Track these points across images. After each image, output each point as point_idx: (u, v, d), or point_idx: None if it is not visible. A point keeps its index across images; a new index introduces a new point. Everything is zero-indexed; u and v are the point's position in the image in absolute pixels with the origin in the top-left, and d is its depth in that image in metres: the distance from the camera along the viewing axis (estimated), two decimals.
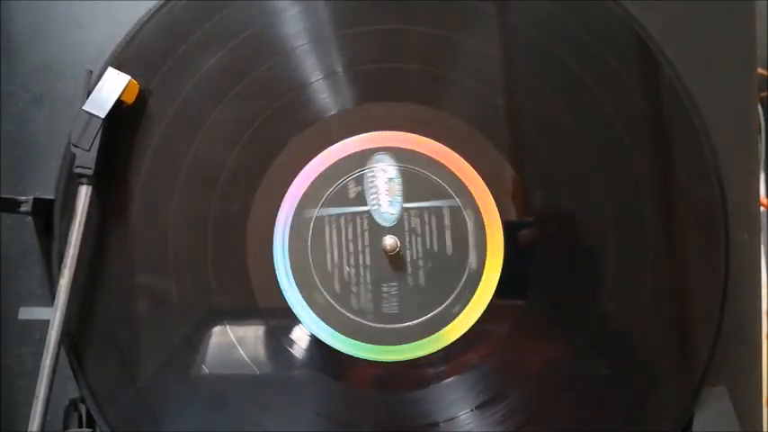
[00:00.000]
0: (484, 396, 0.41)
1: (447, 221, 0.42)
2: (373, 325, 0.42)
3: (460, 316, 0.41)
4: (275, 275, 0.42)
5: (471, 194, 0.42)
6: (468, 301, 0.41)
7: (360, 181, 0.42)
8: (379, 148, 0.42)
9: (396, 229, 0.42)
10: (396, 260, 0.42)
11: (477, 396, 0.41)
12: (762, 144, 0.50)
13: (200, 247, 0.42)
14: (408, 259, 0.42)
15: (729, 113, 0.44)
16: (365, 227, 0.42)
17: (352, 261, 0.42)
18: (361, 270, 0.42)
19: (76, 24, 0.46)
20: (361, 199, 0.42)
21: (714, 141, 0.42)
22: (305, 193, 0.42)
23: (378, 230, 0.42)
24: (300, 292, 0.42)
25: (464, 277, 0.42)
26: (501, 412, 0.41)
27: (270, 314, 0.42)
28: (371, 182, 0.42)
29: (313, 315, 0.42)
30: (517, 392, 0.41)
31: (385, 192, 0.41)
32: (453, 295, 0.42)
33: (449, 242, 0.42)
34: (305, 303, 0.42)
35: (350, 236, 0.42)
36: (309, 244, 0.42)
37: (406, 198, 0.42)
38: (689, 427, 0.41)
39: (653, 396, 0.41)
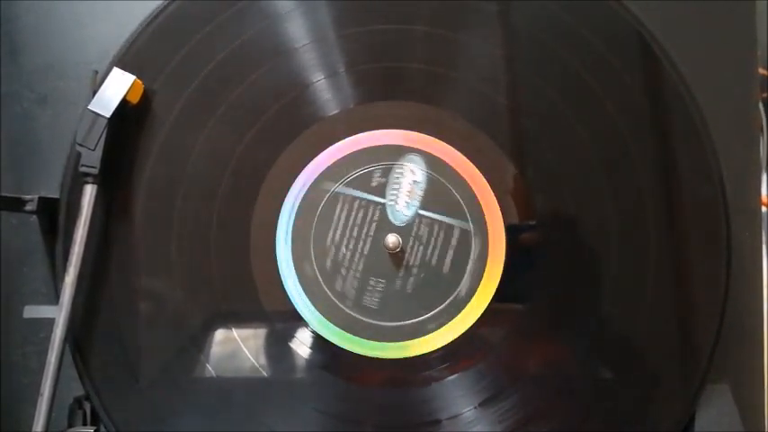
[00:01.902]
0: (486, 394, 0.42)
1: (454, 241, 0.42)
2: (348, 311, 0.42)
3: (432, 334, 0.42)
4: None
5: (485, 223, 0.42)
6: (446, 323, 0.42)
7: (386, 173, 0.42)
8: (416, 149, 0.42)
9: (403, 230, 0.42)
10: (393, 259, 0.42)
11: (480, 394, 0.42)
12: (763, 144, 0.51)
13: (204, 246, 0.42)
14: (404, 263, 0.42)
15: (731, 114, 0.44)
16: (375, 218, 0.42)
17: (351, 245, 0.42)
18: (357, 257, 0.42)
19: (80, 24, 0.46)
20: (381, 190, 0.42)
21: (716, 141, 0.42)
22: (333, 164, 0.42)
23: (386, 225, 0.42)
24: (293, 257, 0.42)
25: (449, 300, 0.42)
26: (502, 411, 0.41)
27: (275, 317, 0.42)
28: (397, 178, 0.42)
29: (303, 294, 0.42)
30: (519, 392, 0.41)
31: (406, 192, 0.42)
32: (433, 312, 0.42)
33: (448, 261, 0.42)
34: (296, 278, 0.42)
35: (358, 221, 0.42)
36: (317, 215, 0.42)
37: (424, 205, 0.42)
38: (691, 426, 0.41)
39: (655, 394, 0.41)
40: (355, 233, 0.42)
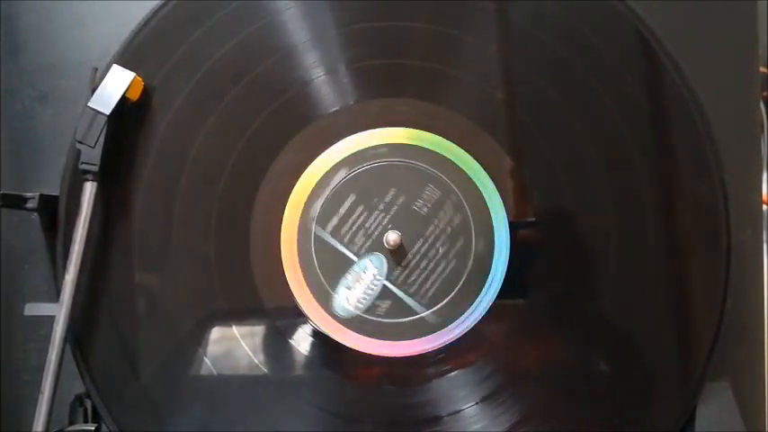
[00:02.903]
0: (487, 391, 0.42)
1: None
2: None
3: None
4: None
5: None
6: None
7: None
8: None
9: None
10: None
11: (481, 391, 0.42)
12: (764, 142, 0.51)
13: (204, 243, 0.42)
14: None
15: (732, 112, 0.44)
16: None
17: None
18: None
19: (81, 23, 0.46)
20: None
21: (717, 140, 0.42)
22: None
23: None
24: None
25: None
26: (503, 407, 0.41)
27: (275, 313, 0.42)
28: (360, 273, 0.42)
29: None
30: (520, 389, 0.41)
31: (365, 286, 0.42)
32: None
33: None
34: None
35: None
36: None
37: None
38: (692, 423, 0.41)
39: (656, 391, 0.41)
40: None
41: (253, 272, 0.42)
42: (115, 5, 0.45)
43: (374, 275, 0.42)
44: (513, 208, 0.42)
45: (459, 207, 0.42)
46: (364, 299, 0.42)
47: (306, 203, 0.42)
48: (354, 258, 0.42)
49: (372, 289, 0.42)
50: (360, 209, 0.42)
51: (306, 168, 0.43)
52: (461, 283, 0.42)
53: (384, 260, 0.42)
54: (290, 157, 0.43)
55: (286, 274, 0.42)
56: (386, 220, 0.42)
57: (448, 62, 0.43)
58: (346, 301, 0.42)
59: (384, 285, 0.42)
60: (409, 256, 0.42)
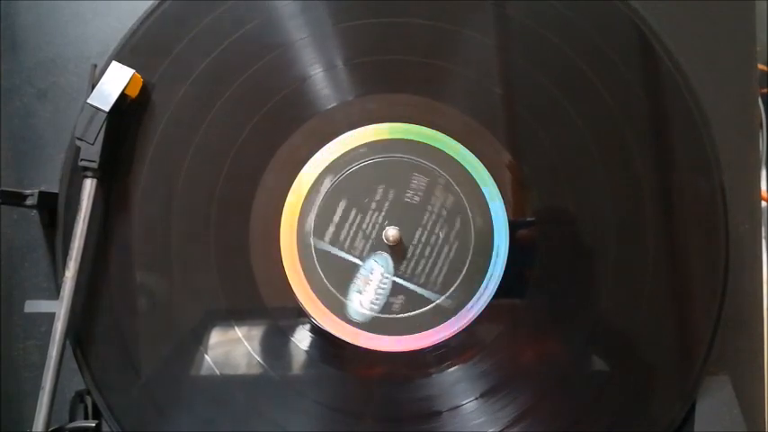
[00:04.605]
0: (486, 386, 0.42)
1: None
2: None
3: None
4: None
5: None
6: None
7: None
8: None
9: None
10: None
11: (481, 387, 0.42)
12: (763, 139, 0.51)
13: (204, 240, 0.42)
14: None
15: (731, 109, 0.44)
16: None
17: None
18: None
19: (80, 20, 0.46)
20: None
21: (716, 136, 0.42)
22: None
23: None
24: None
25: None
26: (503, 403, 0.41)
27: (275, 311, 0.42)
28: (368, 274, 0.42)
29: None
30: (519, 384, 0.42)
31: (375, 287, 0.42)
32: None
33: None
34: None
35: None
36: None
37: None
38: (691, 417, 0.41)
39: (655, 385, 0.41)
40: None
41: (253, 268, 0.42)
42: (114, 2, 0.45)
43: (382, 274, 0.42)
44: (512, 206, 0.42)
45: (449, 188, 0.42)
46: (377, 299, 0.42)
47: (299, 219, 0.42)
48: (359, 262, 0.42)
49: (383, 288, 0.42)
50: (353, 212, 0.42)
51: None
52: (468, 262, 0.42)
53: (388, 257, 0.42)
54: (290, 153, 0.43)
55: (295, 292, 0.42)
56: (381, 218, 0.42)
57: (446, 58, 0.43)
58: (360, 305, 0.42)
59: (394, 282, 0.42)
60: (411, 247, 0.42)
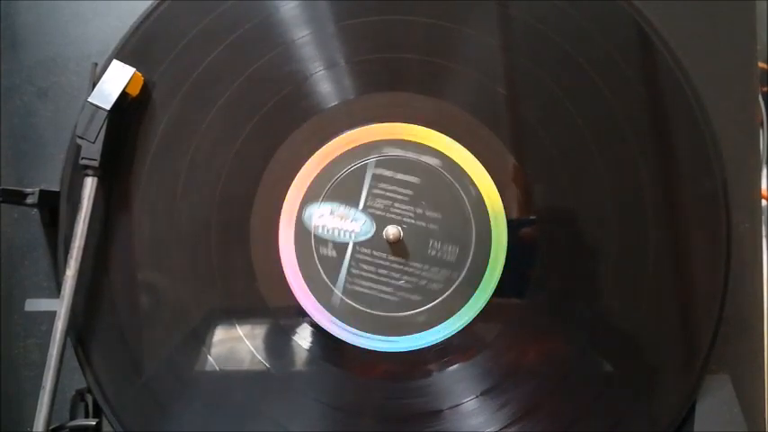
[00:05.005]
0: (487, 385, 0.42)
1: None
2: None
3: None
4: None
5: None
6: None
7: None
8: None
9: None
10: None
11: (481, 385, 0.42)
12: (763, 137, 0.51)
13: (205, 238, 0.42)
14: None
15: (731, 107, 0.44)
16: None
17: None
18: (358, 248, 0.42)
19: (81, 19, 0.46)
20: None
21: (717, 135, 0.42)
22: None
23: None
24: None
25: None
26: (503, 401, 0.41)
27: (276, 309, 0.42)
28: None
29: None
30: (520, 382, 0.42)
31: (338, 226, 0.42)
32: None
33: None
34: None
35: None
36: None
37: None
38: (692, 416, 0.41)
39: (656, 384, 0.41)
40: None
41: (254, 267, 0.42)
42: (114, 2, 0.45)
43: (352, 230, 0.41)
44: (512, 205, 0.42)
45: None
46: (328, 231, 0.41)
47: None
48: (360, 206, 0.42)
49: (340, 236, 0.41)
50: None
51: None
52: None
53: (372, 234, 0.42)
54: (291, 151, 0.43)
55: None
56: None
57: (447, 56, 0.43)
58: (319, 217, 0.42)
59: (353, 247, 0.42)
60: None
